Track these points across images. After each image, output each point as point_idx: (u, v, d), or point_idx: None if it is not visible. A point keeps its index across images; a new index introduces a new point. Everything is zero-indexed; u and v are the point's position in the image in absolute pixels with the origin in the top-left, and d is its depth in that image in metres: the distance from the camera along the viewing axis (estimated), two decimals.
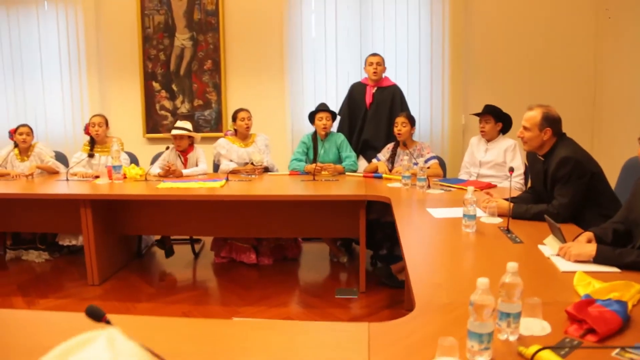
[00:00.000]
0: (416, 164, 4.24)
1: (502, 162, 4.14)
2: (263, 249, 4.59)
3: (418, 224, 2.91)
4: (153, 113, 5.84)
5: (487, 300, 1.36)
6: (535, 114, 2.95)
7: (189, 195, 3.94)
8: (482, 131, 4.27)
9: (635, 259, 2.03)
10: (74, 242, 4.66)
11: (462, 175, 4.39)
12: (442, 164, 4.59)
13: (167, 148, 4.68)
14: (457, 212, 2.90)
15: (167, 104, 5.80)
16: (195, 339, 1.59)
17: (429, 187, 3.77)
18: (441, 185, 3.88)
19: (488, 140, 4.27)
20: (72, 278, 4.35)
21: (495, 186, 3.88)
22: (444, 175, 4.51)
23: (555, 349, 1.41)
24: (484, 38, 5.28)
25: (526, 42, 5.25)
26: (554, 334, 1.53)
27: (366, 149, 4.82)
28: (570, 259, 2.13)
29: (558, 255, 2.20)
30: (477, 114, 4.31)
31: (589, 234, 2.31)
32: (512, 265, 1.48)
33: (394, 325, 1.64)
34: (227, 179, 4.31)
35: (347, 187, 4.07)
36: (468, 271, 2.12)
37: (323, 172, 4.42)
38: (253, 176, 4.49)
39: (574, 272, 1.97)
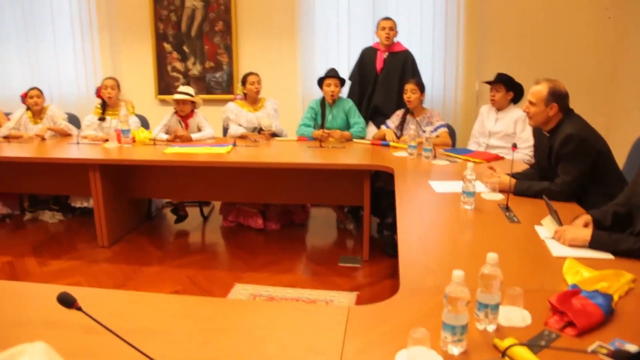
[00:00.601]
0: (426, 131, 4.21)
1: (512, 132, 4.08)
2: (270, 214, 4.62)
3: (417, 198, 2.89)
4: (165, 74, 5.82)
5: (461, 293, 1.36)
6: (542, 89, 2.87)
7: (195, 162, 3.96)
8: (492, 99, 4.20)
9: (631, 246, 2.00)
10: (85, 204, 4.74)
11: (471, 145, 4.33)
12: (452, 133, 4.53)
13: (174, 114, 4.68)
14: (459, 186, 2.85)
15: (179, 65, 5.77)
16: (173, 316, 1.62)
17: (435, 157, 3.73)
18: (447, 155, 3.83)
19: (498, 110, 4.20)
20: (83, 239, 4.44)
21: (502, 158, 3.83)
22: (454, 144, 4.47)
23: (530, 345, 1.41)
24: (500, 3, 5.10)
25: (543, 9, 5.05)
26: (534, 325, 1.53)
27: (376, 115, 4.77)
28: (564, 243, 2.11)
29: (553, 238, 2.18)
30: (488, 82, 4.22)
31: (586, 217, 2.27)
32: (491, 257, 1.48)
33: (374, 309, 1.66)
34: (235, 144, 4.31)
35: (353, 155, 4.05)
36: (459, 253, 2.11)
37: (330, 139, 4.38)
38: (260, 141, 4.48)
39: (566, 258, 1.96)
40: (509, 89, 4.12)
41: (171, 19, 5.65)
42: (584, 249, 2.06)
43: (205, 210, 5.04)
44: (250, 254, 4.11)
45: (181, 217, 4.79)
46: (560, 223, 2.24)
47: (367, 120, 4.79)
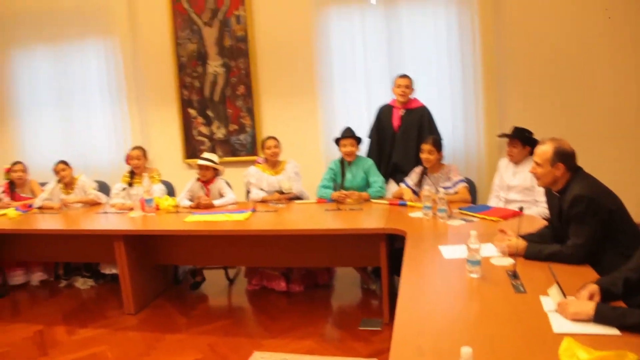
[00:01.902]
0: (447, 187, 4.20)
1: (531, 186, 4.03)
2: (294, 276, 4.64)
3: (424, 265, 2.88)
4: (191, 139, 6.01)
5: None
6: (547, 149, 2.85)
7: (213, 230, 4.03)
8: (509, 155, 4.17)
9: (638, 320, 1.93)
10: (114, 271, 4.84)
11: (492, 200, 4.29)
12: (472, 188, 4.49)
13: (197, 179, 4.80)
14: None
15: (204, 129, 5.96)
16: None
17: (450, 216, 3.71)
18: (463, 214, 3.80)
19: (516, 164, 4.17)
20: (111, 306, 4.54)
21: (522, 214, 3.75)
22: (475, 199, 4.43)
23: None
24: (517, 52, 5.10)
25: (562, 53, 5.02)
26: None
27: (396, 173, 4.79)
28: (567, 317, 2.06)
29: (557, 311, 2.13)
30: (505, 135, 4.21)
31: (592, 288, 2.20)
32: (465, 352, 1.46)
33: None
34: (254, 210, 4.38)
35: (369, 217, 4.06)
36: (455, 331, 2.07)
37: (348, 200, 4.41)
38: (281, 205, 4.54)
39: (566, 335, 1.91)
40: (525, 143, 4.10)
41: (195, 85, 5.87)
42: (588, 323, 2.00)
43: (231, 272, 5.09)
44: (272, 319, 4.13)
45: (196, 283, 4.89)
46: (563, 294, 2.19)
47: (387, 178, 4.81)
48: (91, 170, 5.95)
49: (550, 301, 2.24)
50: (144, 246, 4.45)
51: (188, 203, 4.69)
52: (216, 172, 4.86)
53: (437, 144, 4.31)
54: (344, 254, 4.16)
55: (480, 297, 2.41)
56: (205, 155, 4.82)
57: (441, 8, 5.13)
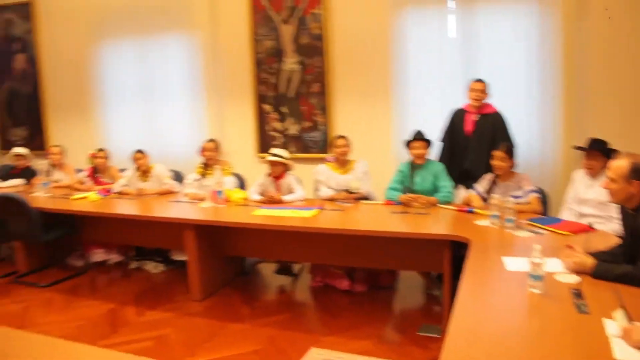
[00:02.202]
0: (518, 196, 4.11)
1: (606, 200, 3.84)
2: (357, 276, 4.67)
3: (485, 276, 2.83)
4: (264, 134, 6.14)
5: None
6: (622, 164, 2.72)
7: (280, 226, 4.11)
8: (587, 168, 4.01)
9: None
10: (184, 258, 5.04)
11: (564, 213, 4.14)
12: (544, 199, 4.35)
13: (268, 174, 4.91)
14: None
15: (278, 125, 6.07)
16: None
17: (517, 227, 3.62)
18: (532, 225, 3.70)
19: (593, 176, 4.01)
20: (179, 291, 4.74)
21: (592, 229, 3.63)
22: (546, 212, 4.29)
23: None
24: (601, 56, 4.87)
25: None
26: None
27: (466, 178, 4.71)
28: (631, 344, 1.97)
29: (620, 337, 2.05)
30: (581, 148, 4.05)
31: None
32: None
33: None
34: (322, 208, 4.43)
35: (435, 222, 4.02)
36: (509, 346, 2.03)
37: (415, 204, 4.38)
38: (348, 204, 4.58)
39: None
40: (605, 155, 3.92)
41: (270, 81, 5.99)
42: None
43: (297, 268, 5.18)
44: (332, 317, 4.18)
45: (288, 272, 5.09)
46: (630, 319, 2.10)
47: (457, 183, 4.75)
48: (168, 160, 6.20)
49: (614, 325, 2.15)
50: (213, 236, 4.61)
51: (258, 197, 4.80)
52: (286, 168, 4.95)
53: (510, 151, 4.21)
54: (407, 258, 4.15)
55: (540, 313, 2.35)
56: (275, 151, 4.92)
57: (522, 9, 4.98)
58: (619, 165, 2.75)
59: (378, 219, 4.21)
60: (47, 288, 4.94)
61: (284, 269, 5.13)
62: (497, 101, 4.83)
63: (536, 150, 5.09)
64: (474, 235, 3.52)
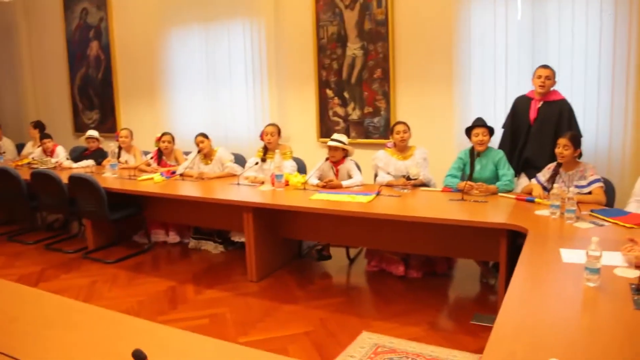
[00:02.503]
0: (582, 186, 3.96)
1: None
2: (412, 262, 4.63)
3: (540, 266, 2.74)
4: (326, 119, 6.16)
5: None
6: None
7: (336, 210, 4.13)
8: None
9: None
10: (243, 239, 5.15)
11: (631, 205, 3.93)
12: (610, 190, 4.16)
13: (326, 160, 4.92)
14: None
15: (339, 110, 6.07)
16: None
17: (578, 218, 3.48)
18: (594, 217, 3.55)
19: None
20: (237, 272, 4.86)
21: None
22: (611, 203, 4.11)
23: None
24: None
25: None
26: None
27: (528, 167, 4.56)
28: None
29: None
30: None
31: None
32: None
33: None
34: (378, 193, 4.41)
35: (492, 210, 3.92)
36: (556, 340, 1.96)
37: (474, 192, 4.29)
38: (405, 190, 4.54)
39: None
40: None
41: (333, 67, 5.99)
42: None
43: (353, 252, 5.19)
44: (386, 302, 4.17)
45: (324, 257, 5.06)
46: None
47: (518, 172, 4.61)
48: (231, 143, 6.33)
49: None
50: (271, 219, 4.68)
51: (316, 182, 4.83)
52: (345, 153, 4.95)
53: (575, 140, 4.04)
54: (463, 246, 4.08)
55: (593, 308, 2.26)
56: (336, 136, 4.93)
57: None
58: None
59: (434, 205, 4.16)
60: (113, 264, 5.18)
61: (320, 251, 5.16)
62: (564, 88, 4.64)
63: (605, 140, 4.86)
64: (532, 225, 3.41)
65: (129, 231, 5.87)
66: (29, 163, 6.68)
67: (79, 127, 8.00)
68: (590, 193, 3.99)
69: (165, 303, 4.27)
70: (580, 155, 4.33)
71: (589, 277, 2.44)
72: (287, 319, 3.90)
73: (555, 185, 3.79)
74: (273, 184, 4.80)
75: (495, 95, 5.23)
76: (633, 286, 2.40)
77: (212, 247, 5.47)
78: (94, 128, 7.25)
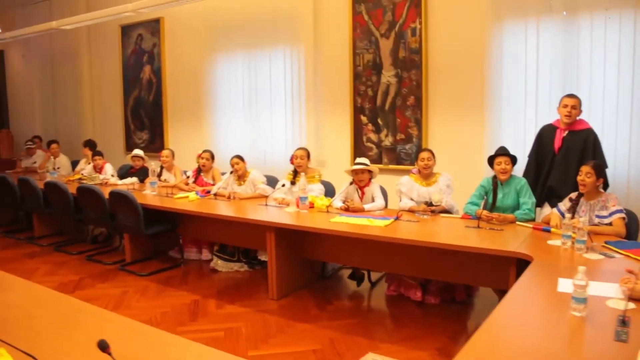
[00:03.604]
0: (603, 217, 3.91)
1: None
2: (431, 288, 4.64)
3: (532, 294, 2.74)
4: (360, 144, 6.27)
5: None
6: None
7: (352, 233, 4.20)
8: None
9: None
10: None
11: None
12: (633, 222, 4.05)
13: (351, 183, 5.02)
14: (595, 287, 2.64)
15: (373, 136, 6.18)
16: None
17: (589, 249, 3.43)
18: (607, 248, 3.49)
19: None
20: (260, 290, 5.00)
21: None
22: (635, 236, 4.01)
23: None
24: None
25: None
26: None
27: (552, 197, 4.52)
28: None
29: None
30: None
31: None
32: None
33: None
34: (397, 218, 4.47)
35: (504, 238, 3.88)
36: None
37: (493, 221, 4.28)
38: (425, 216, 4.57)
39: None
40: None
41: (368, 93, 6.13)
42: None
43: (375, 276, 5.24)
44: (398, 326, 4.20)
45: (359, 279, 5.15)
46: None
47: (542, 201, 4.58)
48: (268, 166, 6.57)
49: None
50: (294, 240, 4.81)
51: (340, 204, 4.93)
52: (371, 176, 5.04)
53: (598, 168, 3.98)
54: (476, 273, 4.08)
55: (573, 337, 2.25)
56: (359, 160, 5.05)
57: (628, 16, 4.67)
58: None
59: (450, 232, 4.18)
60: (146, 277, 5.43)
61: (354, 275, 5.21)
62: (595, 118, 4.61)
63: (636, 171, 4.76)
64: (540, 254, 3.40)
65: (165, 247, 6.13)
66: (79, 179, 7.09)
67: (130, 146, 8.43)
68: (611, 224, 3.91)
69: (186, 315, 4.45)
70: (606, 186, 4.28)
71: (575, 306, 2.42)
72: (299, 337, 4.00)
73: (568, 215, 3.74)
74: (297, 205, 4.93)
75: (526, 123, 5.22)
76: (620, 318, 2.37)
77: (238, 266, 5.63)
78: (143, 148, 7.64)
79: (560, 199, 4.30)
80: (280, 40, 6.64)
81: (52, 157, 8.04)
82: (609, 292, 2.66)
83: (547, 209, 4.53)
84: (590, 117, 4.67)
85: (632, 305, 2.48)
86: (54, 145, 8.11)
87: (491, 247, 3.67)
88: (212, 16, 7.17)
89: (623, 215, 3.92)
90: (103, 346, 1.65)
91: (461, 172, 5.14)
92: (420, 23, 5.70)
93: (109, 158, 7.52)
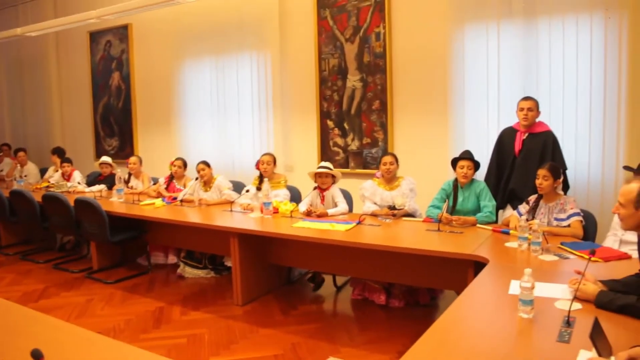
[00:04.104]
0: (561, 219, 3.97)
1: None
2: (395, 291, 4.67)
3: (481, 295, 2.78)
4: (327, 149, 6.29)
5: None
6: (632, 189, 2.55)
7: (312, 237, 4.23)
8: None
9: None
10: None
11: (609, 239, 3.91)
12: (591, 224, 4.11)
13: (315, 189, 5.05)
14: (545, 289, 2.70)
15: (339, 140, 6.20)
16: None
17: (544, 250, 3.49)
18: (562, 249, 3.54)
19: None
20: (225, 296, 4.99)
21: (629, 256, 3.41)
22: (593, 237, 4.07)
23: None
24: None
25: None
26: None
27: (513, 199, 4.58)
28: None
29: None
30: (630, 169, 3.82)
31: (636, 352, 1.95)
32: None
33: None
34: (359, 222, 4.49)
35: (462, 241, 3.92)
36: None
37: (453, 223, 4.32)
38: (388, 220, 4.61)
39: None
40: None
41: (334, 98, 6.15)
42: None
43: (340, 280, 5.26)
44: (361, 329, 4.22)
45: (318, 284, 5.15)
46: (599, 352, 1.97)
47: (504, 204, 4.64)
48: (237, 171, 6.56)
49: (586, 356, 2.05)
50: (259, 245, 4.81)
51: (305, 209, 4.94)
52: (334, 180, 5.07)
53: (554, 170, 4.04)
54: (437, 276, 4.12)
55: (517, 338, 2.28)
56: (322, 164, 5.08)
57: (585, 20, 4.76)
58: (629, 189, 2.56)
59: (411, 235, 4.21)
60: (112, 284, 5.40)
61: (313, 279, 5.26)
62: (556, 120, 4.69)
63: (596, 173, 4.84)
64: (496, 256, 3.44)
65: (133, 254, 6.09)
66: (47, 186, 7.02)
67: (100, 153, 8.36)
68: (569, 227, 3.97)
69: (150, 322, 4.43)
70: (567, 187, 4.35)
71: (522, 308, 2.45)
72: (261, 342, 4.00)
73: (532, 217, 3.79)
74: (262, 211, 4.93)
75: (489, 125, 5.28)
76: (565, 318, 2.41)
77: (204, 273, 5.61)
78: (113, 154, 7.59)
79: (522, 202, 4.36)
80: (247, 46, 6.64)
81: (19, 165, 7.94)
82: (558, 293, 2.71)
83: (508, 212, 4.59)
84: (551, 119, 4.77)
85: (578, 305, 2.53)
86: (20, 154, 8.02)
87: (449, 250, 3.71)
88: (180, 22, 7.15)
89: (580, 218, 3.98)
90: (37, 355, 1.63)
91: (427, 174, 5.18)
92: (384, 27, 5.74)
93: (79, 165, 7.46)
